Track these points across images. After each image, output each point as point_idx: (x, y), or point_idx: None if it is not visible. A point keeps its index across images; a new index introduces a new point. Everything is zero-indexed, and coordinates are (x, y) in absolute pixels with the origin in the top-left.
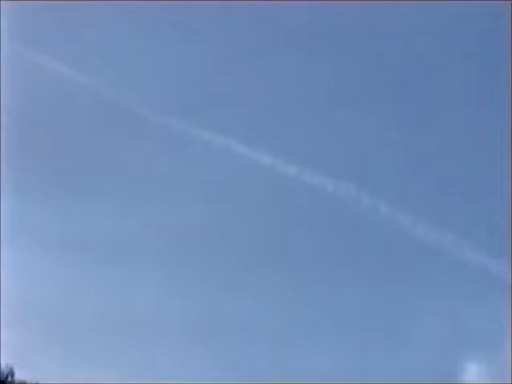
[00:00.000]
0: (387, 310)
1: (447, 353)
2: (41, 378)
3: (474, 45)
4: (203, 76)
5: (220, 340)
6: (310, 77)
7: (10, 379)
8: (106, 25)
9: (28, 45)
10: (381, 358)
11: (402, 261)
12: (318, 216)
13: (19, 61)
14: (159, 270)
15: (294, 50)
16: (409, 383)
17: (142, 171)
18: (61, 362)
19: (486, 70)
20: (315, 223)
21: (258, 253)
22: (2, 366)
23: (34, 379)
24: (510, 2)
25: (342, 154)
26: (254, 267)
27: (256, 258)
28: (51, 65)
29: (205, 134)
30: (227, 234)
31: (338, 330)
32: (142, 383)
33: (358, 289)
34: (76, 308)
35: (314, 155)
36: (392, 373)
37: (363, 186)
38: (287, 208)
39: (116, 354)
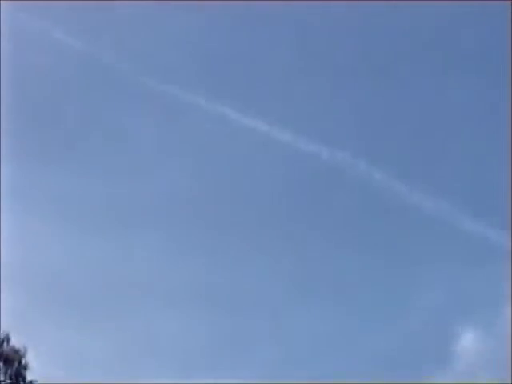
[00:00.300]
0: (385, 277)
1: (445, 319)
2: (38, 344)
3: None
4: (199, 43)
5: (221, 307)
6: (306, 43)
7: (5, 345)
8: None
9: (26, 10)
10: (379, 324)
11: (400, 228)
12: (313, 183)
13: (16, 26)
14: (158, 236)
15: (290, 19)
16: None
17: (138, 137)
18: (59, 328)
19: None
20: (311, 190)
21: (253, 220)
22: None
23: (30, 345)
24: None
25: (338, 122)
26: (249, 234)
27: (251, 225)
28: (49, 30)
29: (200, 100)
30: (222, 201)
31: (336, 296)
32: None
33: (356, 256)
34: (75, 274)
35: (309, 122)
36: (390, 339)
37: (359, 153)
38: (282, 175)
39: (115, 321)
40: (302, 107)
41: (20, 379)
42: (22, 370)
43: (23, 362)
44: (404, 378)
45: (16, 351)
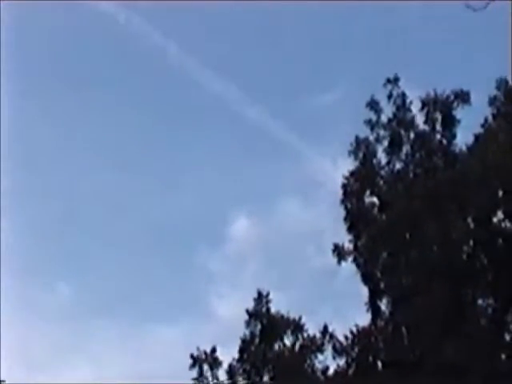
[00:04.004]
0: (165, 153)
1: (219, 204)
2: None
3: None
4: None
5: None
6: None
7: None
8: None
9: None
10: (152, 193)
11: (184, 103)
12: (108, 47)
13: None
14: None
15: None
16: None
17: None
18: None
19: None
20: (105, 52)
21: None
22: None
23: None
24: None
25: None
26: None
27: None
28: None
29: None
30: None
31: (114, 153)
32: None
33: (142, 125)
34: None
35: None
36: (160, 213)
37: (155, 22)
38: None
39: None
40: None
41: None
42: None
43: None
44: (175, 255)
45: None
